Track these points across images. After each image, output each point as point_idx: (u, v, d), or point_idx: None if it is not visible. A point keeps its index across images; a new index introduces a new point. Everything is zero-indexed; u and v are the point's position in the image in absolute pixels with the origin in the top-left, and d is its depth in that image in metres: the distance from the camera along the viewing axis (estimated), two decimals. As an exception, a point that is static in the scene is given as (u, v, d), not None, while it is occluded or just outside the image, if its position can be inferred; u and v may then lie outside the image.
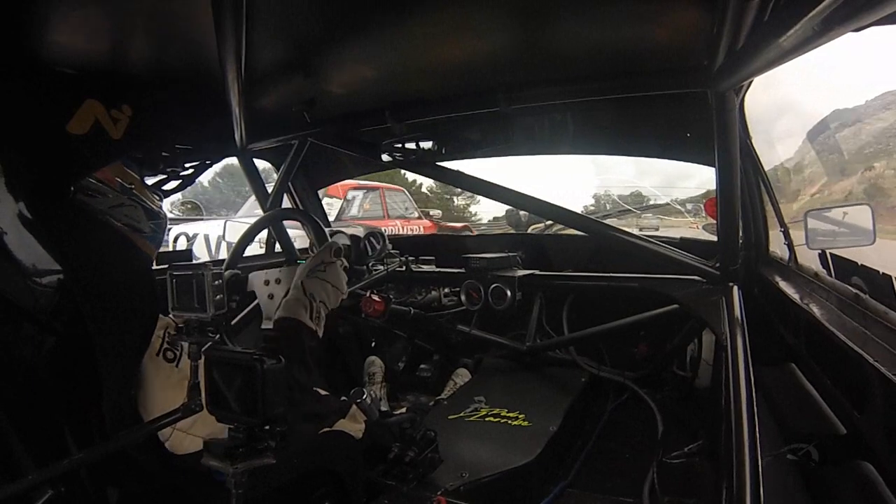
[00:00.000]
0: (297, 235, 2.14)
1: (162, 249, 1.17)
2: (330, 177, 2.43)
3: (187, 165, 1.49)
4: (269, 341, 1.11)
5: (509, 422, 1.57)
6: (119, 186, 0.97)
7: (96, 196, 0.93)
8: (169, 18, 0.95)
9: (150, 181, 1.14)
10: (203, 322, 0.83)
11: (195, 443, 0.93)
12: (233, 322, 1.67)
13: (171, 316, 0.90)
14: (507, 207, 4.44)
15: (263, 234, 2.04)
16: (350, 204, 6.29)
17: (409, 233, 6.34)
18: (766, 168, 1.56)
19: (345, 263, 1.36)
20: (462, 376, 2.06)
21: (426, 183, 17.07)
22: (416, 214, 7.46)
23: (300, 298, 1.18)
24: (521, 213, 4.30)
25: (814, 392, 1.02)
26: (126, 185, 0.99)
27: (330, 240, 1.56)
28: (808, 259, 1.39)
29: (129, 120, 0.95)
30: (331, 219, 5.27)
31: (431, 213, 8.35)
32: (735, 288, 1.36)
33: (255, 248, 2.00)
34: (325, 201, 5.44)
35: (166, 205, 1.24)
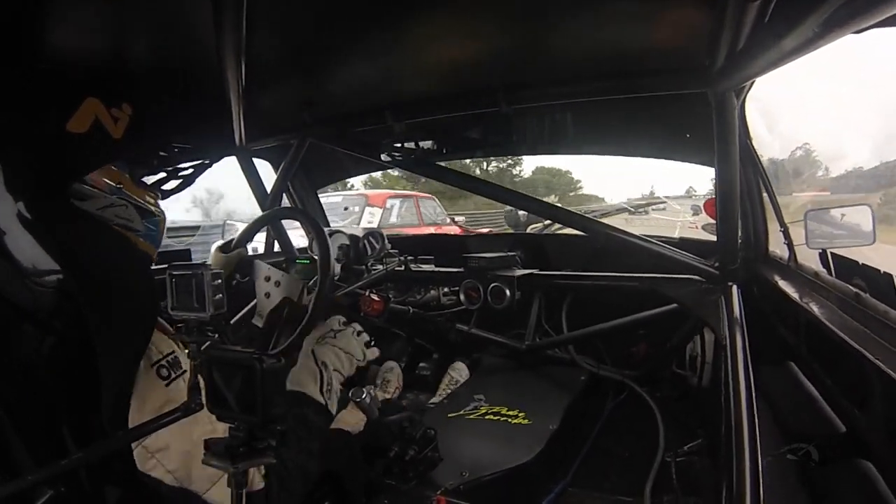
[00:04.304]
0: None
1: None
2: (329, 176, 2.43)
3: (187, 165, 1.48)
4: (275, 417, 1.06)
5: (509, 420, 1.57)
6: (107, 187, 0.96)
7: (84, 200, 0.92)
8: (169, 16, 0.95)
9: (149, 181, 1.13)
10: (202, 322, 0.83)
11: (158, 469, 0.86)
12: (231, 321, 1.66)
13: (172, 319, 0.89)
14: (508, 208, 4.45)
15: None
16: (389, 212, 6.62)
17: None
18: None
19: (357, 328, 1.32)
20: (459, 370, 2.06)
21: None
22: (448, 221, 7.82)
23: (310, 368, 1.12)
24: (520, 212, 4.32)
25: (814, 391, 1.03)
26: (114, 185, 0.98)
27: (329, 242, 1.55)
28: (808, 259, 1.39)
29: (129, 119, 0.94)
30: (374, 225, 5.43)
31: (457, 219, 8.71)
32: (734, 287, 1.36)
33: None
34: (367, 210, 6.28)
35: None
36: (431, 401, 1.91)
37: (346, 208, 6.34)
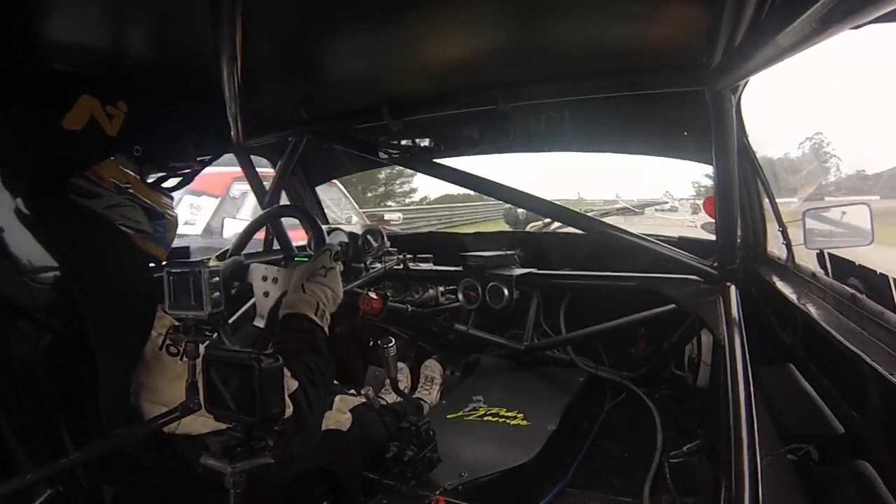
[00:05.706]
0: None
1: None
2: (327, 173, 2.43)
3: (184, 162, 1.48)
4: (277, 336, 1.09)
5: (508, 421, 1.57)
6: (114, 187, 0.96)
7: (91, 199, 0.92)
8: (165, 14, 0.95)
9: (149, 179, 1.13)
10: (200, 320, 0.83)
11: (208, 423, 0.89)
12: (230, 320, 1.66)
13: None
14: (507, 205, 4.43)
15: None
16: (236, 203, 3.95)
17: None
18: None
19: (342, 268, 1.34)
20: (431, 367, 2.06)
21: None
22: (356, 219, 4.91)
23: (306, 299, 1.16)
24: (519, 210, 4.30)
25: (812, 392, 1.02)
26: (122, 185, 0.98)
27: (328, 239, 1.55)
28: (807, 259, 1.39)
29: (124, 116, 0.94)
30: (197, 228, 3.47)
31: (388, 216, 6.04)
32: (733, 287, 1.36)
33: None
34: (189, 201, 3.69)
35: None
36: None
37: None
